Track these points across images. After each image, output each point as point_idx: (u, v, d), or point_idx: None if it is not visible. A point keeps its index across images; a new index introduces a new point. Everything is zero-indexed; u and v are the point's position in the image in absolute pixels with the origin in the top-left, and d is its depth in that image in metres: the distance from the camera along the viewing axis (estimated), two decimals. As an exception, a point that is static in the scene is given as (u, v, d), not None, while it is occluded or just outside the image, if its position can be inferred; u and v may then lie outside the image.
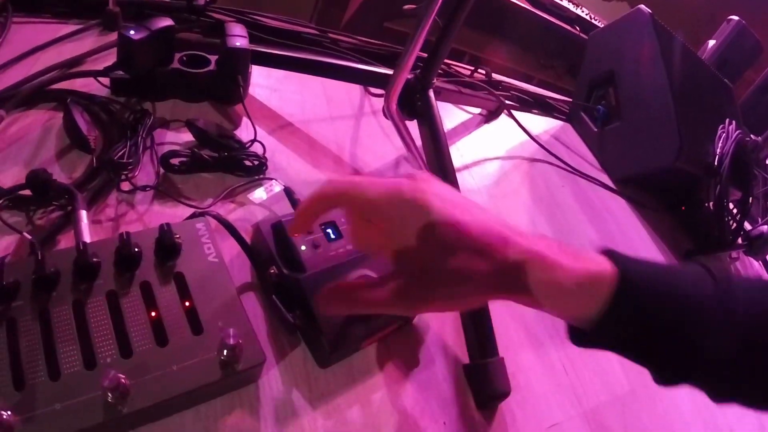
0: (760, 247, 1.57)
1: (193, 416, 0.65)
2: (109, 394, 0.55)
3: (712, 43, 2.14)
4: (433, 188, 0.58)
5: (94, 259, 0.64)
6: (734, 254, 1.68)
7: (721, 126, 1.59)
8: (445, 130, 1.42)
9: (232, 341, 0.61)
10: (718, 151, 1.53)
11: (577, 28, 3.01)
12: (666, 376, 0.56)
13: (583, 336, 0.56)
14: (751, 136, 1.90)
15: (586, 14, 3.21)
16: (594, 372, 1.01)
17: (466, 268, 0.54)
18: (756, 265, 1.74)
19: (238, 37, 1.06)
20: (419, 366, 0.85)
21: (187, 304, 0.66)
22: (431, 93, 1.16)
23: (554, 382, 0.95)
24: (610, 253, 0.56)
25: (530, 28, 2.98)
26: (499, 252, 0.54)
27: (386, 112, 1.08)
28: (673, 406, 1.05)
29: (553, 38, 3.01)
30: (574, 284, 0.54)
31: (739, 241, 1.57)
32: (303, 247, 0.78)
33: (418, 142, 1.15)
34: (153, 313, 0.64)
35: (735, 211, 1.63)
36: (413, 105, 1.15)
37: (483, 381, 0.84)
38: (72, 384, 0.56)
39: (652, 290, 0.54)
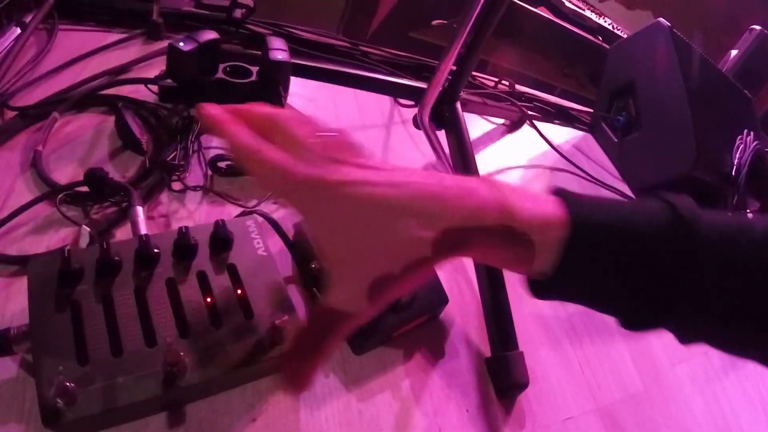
0: None
1: (240, 394, 0.71)
2: (169, 368, 0.60)
3: (734, 53, 2.11)
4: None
5: (155, 250, 0.70)
6: None
7: (739, 136, 1.59)
8: (471, 139, 1.47)
9: (280, 323, 0.66)
10: (736, 161, 1.53)
11: (600, 38, 3.01)
12: (633, 322, 0.51)
13: (541, 285, 0.50)
14: None
15: (609, 24, 3.19)
16: (609, 369, 1.03)
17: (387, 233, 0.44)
18: None
19: (280, 51, 1.11)
20: (444, 357, 0.89)
21: (239, 291, 0.72)
22: (458, 105, 1.20)
23: (570, 377, 0.98)
24: (562, 193, 0.50)
25: (553, 37, 2.95)
26: (411, 206, 0.44)
27: (418, 122, 1.12)
28: (686, 407, 1.06)
29: (575, 48, 2.98)
30: (525, 229, 0.47)
31: None
32: None
33: (446, 150, 1.19)
34: (209, 299, 0.70)
35: None
36: (441, 116, 1.18)
37: (503, 372, 0.88)
38: (133, 360, 0.61)
39: (608, 228, 0.48)
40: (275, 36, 1.23)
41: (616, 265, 0.48)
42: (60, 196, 0.82)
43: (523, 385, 0.88)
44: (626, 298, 0.50)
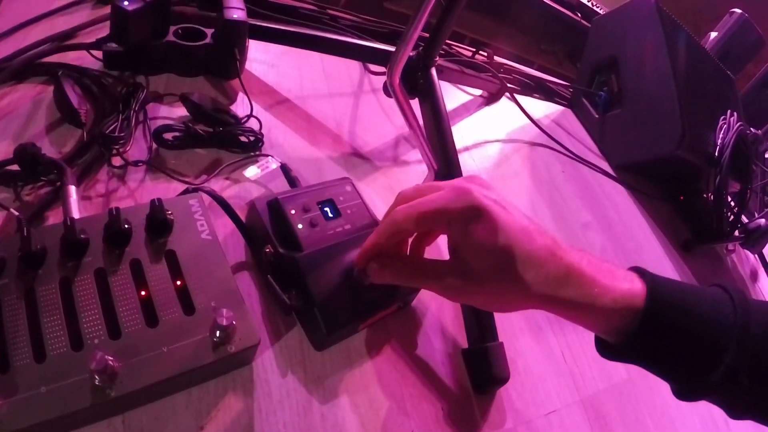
0: (756, 240, 1.58)
1: (185, 399, 0.64)
2: (97, 377, 0.54)
3: (714, 35, 2.15)
4: (483, 193, 0.61)
5: (82, 236, 0.63)
6: (731, 246, 1.70)
7: (722, 117, 1.59)
8: (447, 110, 1.42)
9: (225, 322, 0.60)
10: (719, 141, 1.54)
11: (579, 15, 3.02)
12: (687, 389, 0.60)
13: (611, 348, 0.61)
14: (751, 129, 1.91)
15: (588, 1, 3.22)
16: (592, 359, 1.01)
17: (512, 273, 0.57)
18: (752, 258, 1.77)
19: (236, 9, 1.04)
20: (417, 350, 0.84)
21: (178, 282, 0.65)
22: (433, 71, 1.16)
23: (553, 368, 0.96)
24: (640, 272, 0.61)
25: (531, 13, 2.99)
26: (542, 263, 0.58)
27: (389, 88, 1.06)
28: (671, 396, 1.02)
29: (554, 24, 3.02)
30: (610, 301, 0.58)
31: (736, 233, 1.59)
32: (300, 226, 0.76)
33: (419, 120, 1.13)
34: (143, 292, 0.63)
35: (733, 203, 1.64)
36: (415, 83, 1.14)
37: (482, 366, 0.84)
38: (58, 366, 0.54)
39: (678, 309, 0.58)
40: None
41: (681, 341, 0.57)
42: None
43: (503, 379, 0.85)
44: (684, 371, 0.59)
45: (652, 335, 0.58)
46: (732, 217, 1.58)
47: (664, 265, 1.42)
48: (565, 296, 0.58)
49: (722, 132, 1.55)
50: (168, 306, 0.62)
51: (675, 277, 1.37)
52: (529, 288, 0.58)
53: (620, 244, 1.38)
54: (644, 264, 1.26)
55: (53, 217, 0.76)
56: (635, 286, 0.59)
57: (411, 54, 1.11)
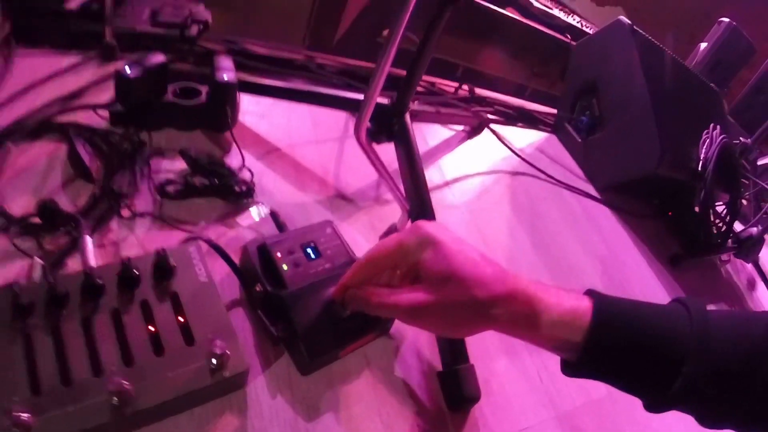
0: (749, 249, 1.58)
1: (188, 418, 0.73)
2: (114, 398, 0.63)
3: (703, 45, 2.15)
4: (435, 228, 0.68)
5: (99, 281, 0.72)
6: (724, 257, 1.71)
7: (705, 131, 1.61)
8: (428, 148, 1.50)
9: (219, 351, 0.69)
10: (703, 155, 1.55)
11: (568, 36, 3.04)
12: (652, 402, 0.62)
13: (571, 366, 0.64)
14: (741, 138, 1.89)
15: (577, 22, 3.22)
16: (569, 378, 1.04)
17: (462, 295, 0.63)
18: (748, 267, 1.76)
19: (226, 71, 1.13)
20: (395, 373, 0.91)
21: (180, 319, 0.74)
22: (407, 117, 1.22)
23: (528, 387, 1.00)
24: (590, 292, 0.64)
25: (521, 38, 2.98)
26: (488, 285, 0.63)
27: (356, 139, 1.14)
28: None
29: (545, 47, 3.01)
30: (555, 316, 0.62)
31: (729, 243, 1.59)
32: (285, 267, 0.85)
33: (396, 162, 1.21)
34: (151, 328, 0.72)
35: (725, 213, 1.65)
36: (390, 128, 1.21)
37: (454, 386, 0.89)
38: (82, 389, 0.64)
39: (626, 323, 0.61)
40: (224, 55, 1.24)
41: (635, 354, 0.60)
42: (13, 228, 0.84)
43: (474, 398, 0.90)
44: (645, 384, 0.62)
45: (602, 348, 0.61)
46: (724, 227, 1.59)
47: (650, 281, 1.45)
48: (510, 313, 0.62)
49: (705, 146, 1.57)
50: (172, 338, 0.72)
51: (661, 292, 1.40)
52: (477, 309, 0.62)
53: (604, 264, 1.41)
54: (629, 281, 1.31)
55: (72, 263, 0.84)
56: (582, 303, 0.62)
57: (385, 102, 1.19)
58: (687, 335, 0.59)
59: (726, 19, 2.13)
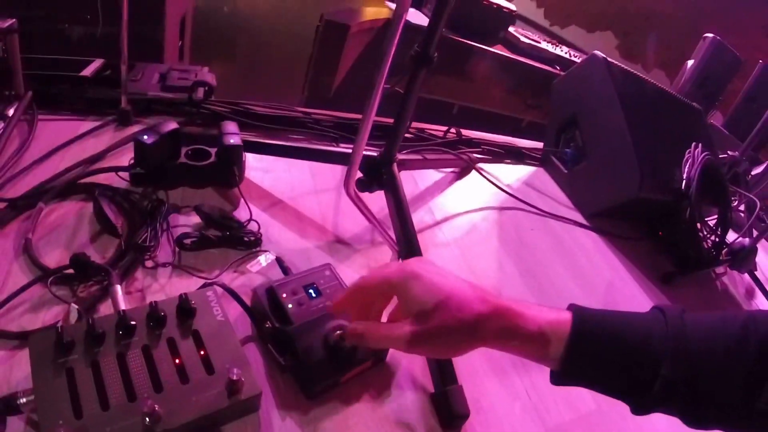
0: (743, 259, 1.61)
1: None
2: (147, 419, 0.73)
3: (690, 62, 2.22)
4: (418, 264, 0.73)
5: (131, 322, 0.83)
6: (720, 270, 1.73)
7: (687, 151, 1.66)
8: (420, 191, 1.59)
9: (235, 377, 0.79)
10: (686, 175, 1.60)
11: (558, 68, 3.13)
12: (637, 404, 0.64)
13: (556, 375, 0.68)
14: (728, 152, 1.96)
15: (565, 53, 3.32)
16: (558, 394, 1.08)
17: (449, 316, 0.67)
18: (746, 278, 1.78)
19: (232, 135, 1.25)
20: (391, 396, 0.98)
21: (202, 352, 0.84)
22: (395, 167, 1.31)
23: (518, 404, 1.05)
24: (571, 306, 0.68)
25: (513, 73, 3.08)
26: (472, 304, 0.67)
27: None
28: (647, 422, 1.01)
29: (535, 80, 3.10)
30: (536, 328, 0.66)
31: (723, 256, 1.63)
32: (290, 305, 0.96)
33: (385, 210, 1.30)
34: (177, 360, 0.82)
35: (717, 227, 1.67)
36: (380, 178, 1.29)
37: (445, 406, 0.96)
38: (118, 412, 0.73)
39: (604, 330, 0.65)
40: (229, 119, 1.36)
41: (614, 359, 0.64)
42: (50, 278, 0.94)
43: (463, 416, 0.96)
44: (627, 388, 0.64)
45: (583, 356, 0.63)
46: (717, 240, 1.62)
47: (640, 301, 1.48)
48: (495, 329, 0.66)
49: (688, 165, 1.62)
50: (195, 369, 0.82)
51: None
52: (465, 329, 0.66)
53: (593, 288, 1.46)
54: (619, 302, 1.35)
55: (103, 308, 0.94)
56: (562, 316, 0.66)
57: (374, 154, 1.28)
58: (663, 338, 0.62)
59: (710, 35, 2.20)
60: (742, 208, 1.95)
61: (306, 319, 0.96)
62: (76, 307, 0.91)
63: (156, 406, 0.73)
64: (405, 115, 1.24)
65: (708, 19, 2.92)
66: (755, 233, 1.67)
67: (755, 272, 1.76)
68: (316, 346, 0.93)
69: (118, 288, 0.94)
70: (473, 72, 3.04)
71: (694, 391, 0.60)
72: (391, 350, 1.02)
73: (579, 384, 0.68)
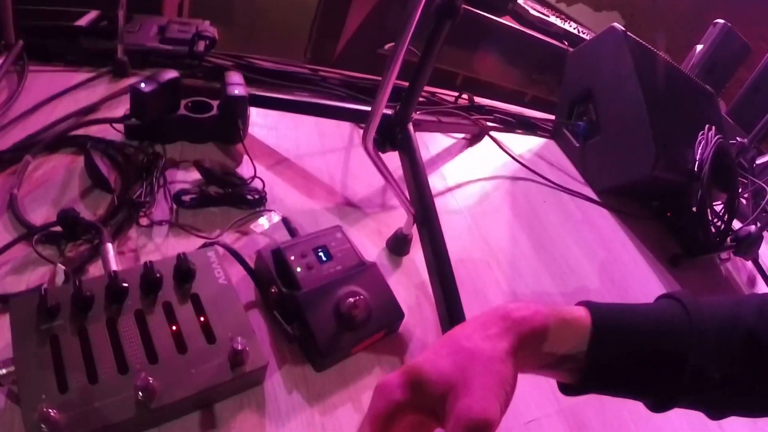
0: (748, 246, 1.58)
1: (210, 413, 0.76)
2: (140, 393, 0.66)
3: (699, 47, 2.17)
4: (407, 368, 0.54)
5: (123, 284, 0.76)
6: (724, 255, 1.70)
7: (701, 132, 1.62)
8: (431, 156, 1.53)
9: (239, 347, 0.72)
10: (698, 157, 1.56)
11: (566, 43, 3.06)
12: (660, 401, 0.60)
13: (577, 381, 0.59)
14: (738, 138, 1.91)
15: (574, 28, 3.25)
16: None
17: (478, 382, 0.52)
18: (748, 265, 1.77)
19: (236, 85, 1.18)
20: None
21: (202, 319, 0.78)
22: (410, 126, 1.24)
23: (531, 381, 0.96)
24: (584, 303, 0.61)
25: (520, 46, 3.00)
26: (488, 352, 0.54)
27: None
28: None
29: (542, 54, 3.03)
30: (557, 328, 0.57)
31: (728, 241, 1.59)
32: (299, 269, 0.89)
33: (400, 170, 1.23)
34: (174, 327, 0.76)
35: (723, 212, 1.65)
36: (394, 138, 1.23)
37: None
38: (108, 386, 0.67)
39: (625, 323, 0.60)
40: (234, 70, 1.28)
41: (638, 354, 0.58)
42: (35, 236, 0.87)
43: None
44: (652, 383, 0.59)
45: (607, 352, 0.57)
46: (723, 226, 1.60)
47: (650, 281, 1.46)
48: (515, 349, 0.55)
49: (701, 147, 1.58)
50: (194, 337, 0.75)
51: (662, 292, 1.39)
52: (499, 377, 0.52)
53: (603, 266, 1.43)
54: (629, 281, 1.32)
55: (93, 270, 0.88)
56: (577, 312, 0.59)
57: (389, 113, 1.21)
58: (686, 327, 0.58)
59: (721, 21, 2.15)
60: (746, 195, 1.92)
61: (316, 285, 0.89)
62: (63, 267, 0.85)
63: (150, 379, 0.67)
64: (424, 72, 1.17)
65: (715, 6, 2.88)
66: (759, 222, 1.64)
67: (758, 260, 1.76)
68: (326, 315, 0.87)
69: (110, 247, 0.87)
70: (479, 42, 2.97)
71: (721, 377, 0.57)
72: (404, 320, 0.98)
73: (599, 388, 0.61)
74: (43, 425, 0.61)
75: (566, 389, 0.62)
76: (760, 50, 2.33)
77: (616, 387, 0.61)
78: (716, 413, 0.62)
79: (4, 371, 0.67)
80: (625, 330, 0.59)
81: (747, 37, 2.25)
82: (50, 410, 0.61)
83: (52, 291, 0.73)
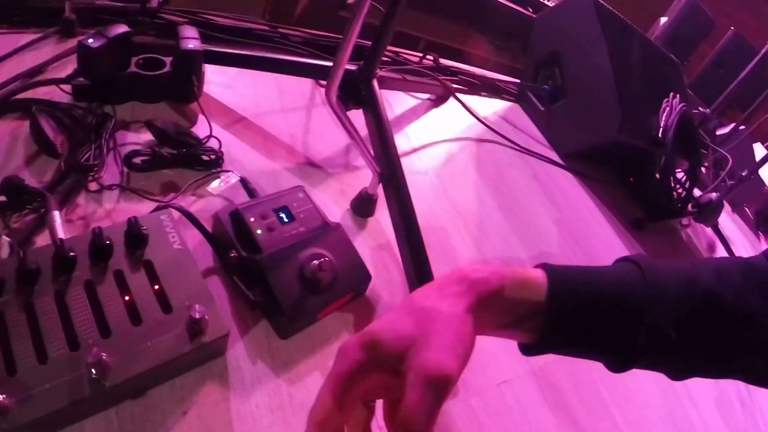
0: (709, 213, 1.65)
1: (169, 389, 0.73)
2: (93, 370, 0.63)
3: (664, 19, 2.23)
4: (369, 329, 0.54)
5: (71, 254, 0.71)
6: (685, 221, 1.78)
7: (665, 100, 1.66)
8: (395, 116, 1.50)
9: (198, 315, 0.69)
10: (663, 123, 1.60)
11: (530, 9, 3.06)
12: (618, 361, 0.60)
13: (535, 341, 0.59)
14: (700, 108, 1.99)
15: None
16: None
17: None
18: (708, 231, 1.83)
19: (191, 39, 1.13)
20: None
21: (156, 287, 0.74)
22: (375, 83, 1.22)
23: (502, 344, 0.99)
24: (541, 265, 0.61)
25: (484, 11, 3.01)
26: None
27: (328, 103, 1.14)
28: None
29: (507, 21, 3.04)
30: (517, 284, 0.57)
31: (690, 208, 1.65)
32: (259, 231, 0.85)
33: (364, 129, 1.21)
34: (127, 297, 0.72)
35: (685, 179, 1.71)
36: (358, 94, 1.20)
37: None
38: (59, 365, 0.63)
39: (582, 283, 0.60)
40: (188, 25, 1.23)
41: (596, 313, 0.58)
42: None
43: None
44: (609, 342, 0.59)
45: (565, 310, 0.58)
46: (684, 193, 1.66)
47: (615, 244, 1.49)
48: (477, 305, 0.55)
49: (665, 114, 1.62)
50: (149, 307, 0.71)
51: (624, 254, 1.45)
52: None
53: (569, 228, 1.45)
54: (594, 244, 1.35)
55: (40, 241, 0.83)
56: (535, 273, 0.59)
57: (353, 68, 1.18)
58: (642, 287, 0.59)
59: None
60: (706, 164, 2.01)
61: (278, 247, 0.86)
62: (8, 240, 0.80)
63: (103, 355, 0.64)
64: (389, 26, 1.15)
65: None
66: (719, 191, 1.73)
67: (718, 227, 1.86)
68: (290, 278, 0.84)
69: (56, 215, 0.83)
70: (443, 7, 2.96)
71: (678, 335, 0.58)
72: (371, 282, 0.97)
73: (557, 347, 0.61)
74: (-9, 412, 0.57)
75: (526, 349, 0.63)
76: (725, 27, 2.43)
77: (573, 346, 0.62)
78: (678, 374, 0.63)
79: (-56, 353, 0.62)
80: (581, 290, 0.59)
81: (712, 12, 2.32)
82: (-1, 395, 0.57)
83: (-5, 265, 0.68)
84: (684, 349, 0.59)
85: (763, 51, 2.02)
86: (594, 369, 1.01)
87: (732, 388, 1.33)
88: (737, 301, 0.59)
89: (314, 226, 0.91)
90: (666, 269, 0.62)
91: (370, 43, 1.18)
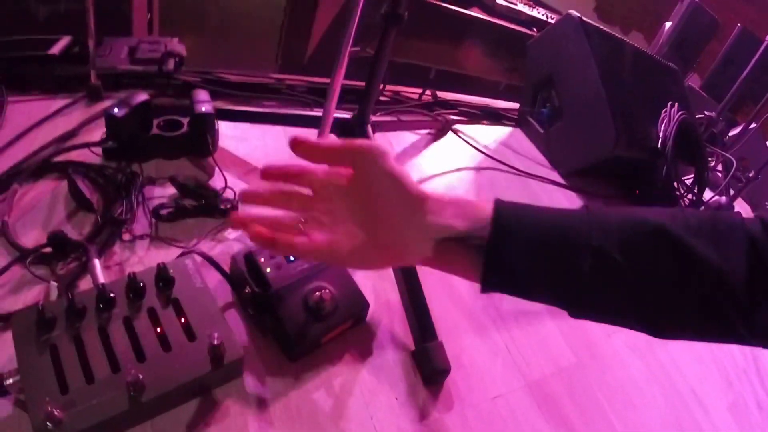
0: None
1: (195, 405, 0.84)
2: (131, 389, 0.75)
3: (668, 25, 2.24)
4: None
5: (111, 295, 0.84)
6: None
7: (663, 110, 1.69)
8: (396, 154, 1.59)
9: (217, 342, 0.80)
10: (662, 134, 1.62)
11: (535, 30, 3.11)
12: (568, 297, 0.60)
13: (485, 275, 0.59)
14: (705, 112, 1.99)
15: (542, 14, 3.30)
16: (538, 348, 1.13)
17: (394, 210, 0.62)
18: None
19: (203, 103, 1.24)
20: (372, 355, 1.01)
21: (182, 320, 0.86)
22: (369, 128, 1.31)
23: (497, 359, 1.08)
24: (495, 200, 0.61)
25: (489, 36, 3.04)
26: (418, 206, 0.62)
27: None
28: (625, 373, 1.14)
29: (513, 42, 3.07)
30: (456, 203, 0.61)
31: None
32: (269, 269, 0.97)
33: None
34: (158, 329, 0.84)
35: (694, 185, 1.70)
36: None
37: (426, 362, 0.99)
38: (103, 384, 0.75)
39: (527, 212, 0.61)
40: (201, 88, 1.35)
41: (541, 242, 0.60)
42: (29, 258, 0.94)
43: (444, 371, 1.00)
44: (556, 275, 0.60)
45: (508, 241, 0.58)
46: (693, 198, 1.65)
47: None
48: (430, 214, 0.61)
49: (664, 124, 1.64)
50: (176, 336, 0.83)
51: None
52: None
53: None
54: None
55: (83, 284, 0.95)
56: (483, 204, 0.61)
57: (347, 116, 1.28)
58: (587, 219, 0.60)
59: None
60: (719, 168, 1.98)
61: (285, 283, 0.97)
62: (56, 284, 0.92)
63: (140, 376, 0.75)
64: (377, 76, 1.24)
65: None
66: (732, 192, 1.71)
67: None
68: (296, 308, 0.95)
69: (97, 262, 0.94)
70: (449, 36, 3.01)
71: (627, 262, 0.57)
72: (371, 310, 1.05)
73: (507, 284, 0.62)
74: (48, 423, 0.69)
75: (483, 285, 0.61)
76: (730, 22, 2.38)
77: (520, 274, 0.61)
78: (654, 328, 0.60)
79: (10, 381, 0.74)
80: (526, 219, 0.61)
81: (717, 10, 2.29)
82: (54, 409, 0.69)
83: (48, 305, 0.80)
84: (633, 278, 0.58)
85: (765, 45, 2.01)
86: (593, 382, 1.09)
87: (748, 389, 1.33)
88: (687, 236, 0.57)
89: (316, 263, 1.01)
90: (612, 209, 0.63)
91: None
